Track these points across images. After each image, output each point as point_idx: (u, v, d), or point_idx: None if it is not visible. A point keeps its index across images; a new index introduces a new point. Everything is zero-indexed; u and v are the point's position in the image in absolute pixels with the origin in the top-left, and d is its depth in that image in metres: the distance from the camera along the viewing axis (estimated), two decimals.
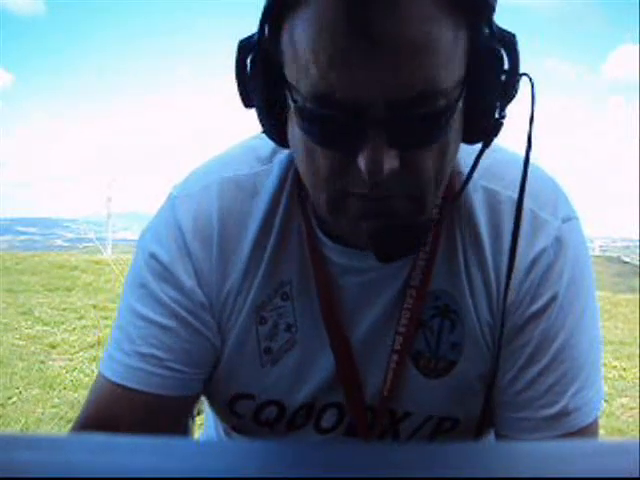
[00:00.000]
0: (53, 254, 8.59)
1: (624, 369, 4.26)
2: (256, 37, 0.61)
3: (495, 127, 0.64)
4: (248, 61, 0.62)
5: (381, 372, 0.74)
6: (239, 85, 0.64)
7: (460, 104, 0.60)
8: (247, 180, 0.74)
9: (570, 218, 0.73)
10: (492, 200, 0.72)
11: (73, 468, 0.21)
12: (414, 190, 0.62)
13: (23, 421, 3.05)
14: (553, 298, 0.70)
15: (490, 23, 0.61)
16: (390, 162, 0.57)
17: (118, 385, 0.72)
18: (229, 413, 0.79)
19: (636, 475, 0.21)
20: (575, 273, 0.72)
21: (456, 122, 0.61)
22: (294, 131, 0.62)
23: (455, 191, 0.71)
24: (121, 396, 0.72)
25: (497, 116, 0.64)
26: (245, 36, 0.63)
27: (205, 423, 1.03)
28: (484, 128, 0.64)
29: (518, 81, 0.63)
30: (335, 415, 0.76)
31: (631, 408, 3.54)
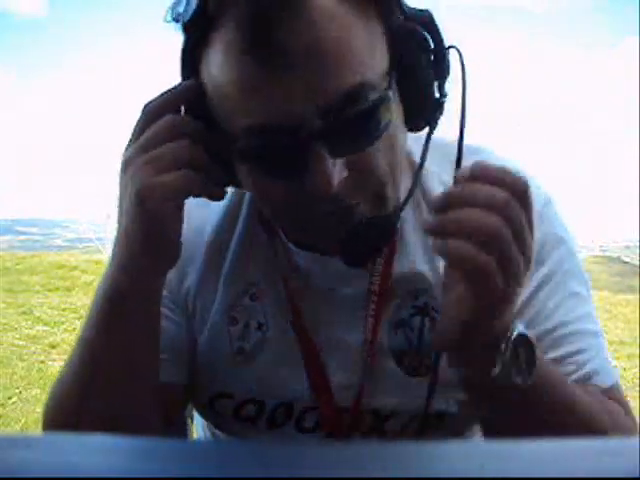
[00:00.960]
0: (53, 254, 8.58)
1: (624, 369, 4.26)
2: (179, 89, 0.63)
3: (436, 107, 0.64)
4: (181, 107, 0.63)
5: (352, 375, 0.74)
6: None
7: (392, 93, 0.59)
8: None
9: (549, 201, 0.75)
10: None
11: (73, 468, 0.21)
12: (371, 190, 0.62)
13: (23, 421, 3.05)
14: (542, 285, 0.71)
15: (401, 6, 0.62)
16: (338, 174, 0.57)
17: None
18: (210, 412, 0.80)
19: (636, 475, 0.21)
20: (562, 257, 0.72)
21: (394, 112, 0.60)
22: (239, 168, 0.63)
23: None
24: None
25: (437, 96, 0.64)
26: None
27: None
28: (424, 110, 0.64)
29: (446, 56, 0.63)
30: (316, 416, 0.76)
31: (631, 408, 3.54)
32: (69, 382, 0.70)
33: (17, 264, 7.04)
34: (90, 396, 0.67)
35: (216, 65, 0.57)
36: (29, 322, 4.87)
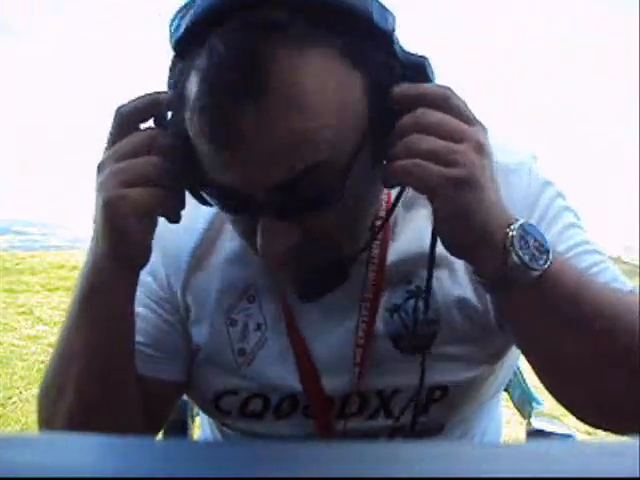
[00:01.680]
0: (53, 254, 8.58)
1: None
2: (153, 98, 0.63)
3: None
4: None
5: (345, 378, 0.75)
6: None
7: (361, 160, 0.58)
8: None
9: (534, 158, 0.77)
10: None
11: (73, 468, 0.21)
12: (324, 251, 0.63)
13: (23, 421, 3.05)
14: (559, 231, 0.72)
15: (393, 55, 0.59)
16: (285, 239, 0.59)
17: None
18: (216, 410, 0.80)
19: (636, 475, 0.21)
20: (553, 198, 0.74)
21: (360, 177, 0.59)
22: None
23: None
24: None
25: None
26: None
27: (202, 425, 1.03)
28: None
29: None
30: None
31: None
32: (50, 375, 0.72)
33: (17, 264, 7.04)
34: (65, 389, 0.69)
35: (187, 110, 0.58)
36: (29, 322, 4.87)
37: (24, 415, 3.11)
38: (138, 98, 0.63)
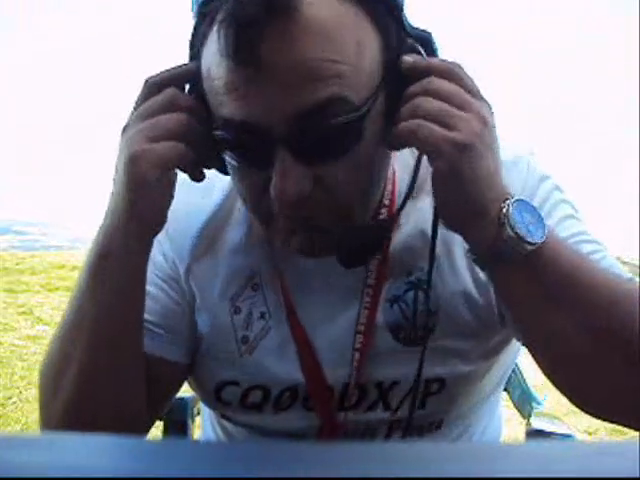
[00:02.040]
0: (53, 254, 8.59)
1: None
2: (185, 68, 0.65)
3: None
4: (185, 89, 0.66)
5: (345, 368, 0.76)
6: None
7: (372, 114, 0.60)
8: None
9: (532, 153, 0.78)
10: None
11: (73, 468, 0.21)
12: (335, 205, 0.63)
13: (23, 421, 3.05)
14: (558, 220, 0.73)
15: (402, 25, 0.62)
16: (299, 183, 0.59)
17: None
18: (216, 401, 0.81)
19: (636, 475, 0.21)
20: (550, 190, 0.75)
21: (373, 131, 0.61)
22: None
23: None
24: None
25: None
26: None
27: (202, 423, 1.03)
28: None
29: None
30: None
31: None
32: (56, 345, 0.72)
33: (17, 264, 7.04)
34: (73, 357, 0.69)
35: (208, 58, 0.60)
36: (29, 322, 4.87)
37: (24, 415, 3.11)
38: (168, 69, 0.65)
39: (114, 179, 0.65)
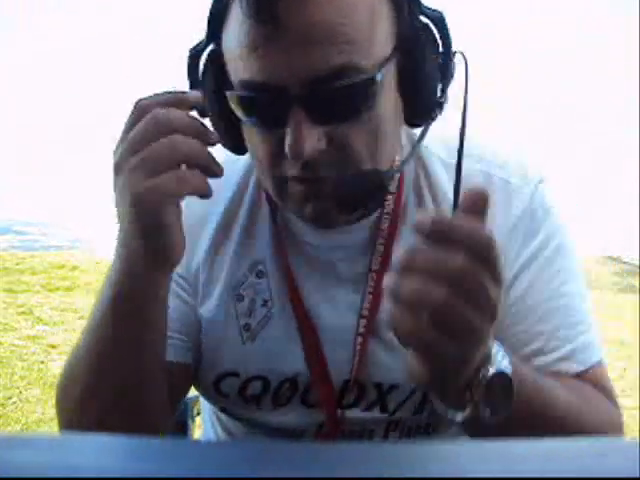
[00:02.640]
0: (53, 254, 8.58)
1: (624, 369, 4.26)
2: (203, 43, 0.66)
3: (435, 107, 0.67)
4: (200, 66, 0.67)
5: (348, 353, 0.76)
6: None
7: (383, 80, 0.62)
8: None
9: (539, 181, 0.77)
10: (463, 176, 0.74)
11: (73, 468, 0.21)
12: (345, 165, 0.64)
13: (23, 421, 3.05)
14: (538, 251, 0.74)
15: (416, 3, 0.64)
16: (312, 141, 0.61)
17: None
18: (216, 393, 0.80)
19: (636, 475, 0.21)
20: (555, 226, 0.75)
21: (384, 99, 0.63)
22: (242, 125, 0.67)
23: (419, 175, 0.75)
24: None
25: (437, 96, 0.66)
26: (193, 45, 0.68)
27: (202, 424, 1.03)
28: (423, 107, 0.67)
29: (452, 60, 0.65)
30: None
31: (631, 408, 3.54)
32: (77, 368, 0.71)
33: (17, 264, 7.04)
34: (98, 383, 0.68)
35: (229, 26, 0.63)
36: (29, 322, 4.87)
37: (24, 415, 3.11)
38: (161, 94, 0.62)
39: (119, 222, 0.62)
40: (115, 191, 0.61)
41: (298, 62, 0.58)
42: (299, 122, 0.60)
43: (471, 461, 0.23)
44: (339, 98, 0.60)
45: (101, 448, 0.24)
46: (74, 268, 7.00)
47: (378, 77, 0.61)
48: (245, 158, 0.76)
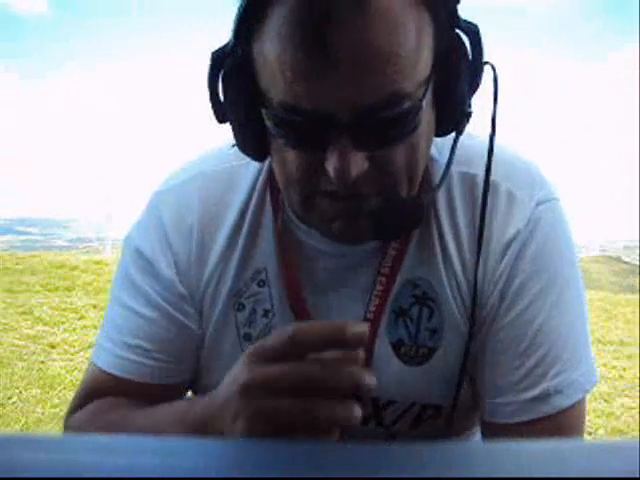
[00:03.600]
0: (53, 254, 8.57)
1: (624, 369, 4.26)
2: (230, 47, 0.63)
3: (465, 117, 0.66)
4: (223, 70, 0.64)
5: None
6: (212, 97, 0.65)
7: (426, 101, 0.61)
8: (225, 173, 0.78)
9: (545, 200, 0.74)
10: (470, 184, 0.73)
11: (73, 468, 0.21)
12: (385, 188, 0.63)
13: (23, 421, 3.05)
14: (527, 281, 0.71)
15: (454, 16, 0.63)
16: (357, 165, 0.59)
17: (108, 373, 0.77)
18: None
19: (636, 475, 0.21)
20: (551, 256, 0.72)
21: (424, 118, 0.62)
22: (269, 134, 0.64)
23: (431, 179, 0.73)
24: (113, 383, 0.77)
25: (466, 106, 0.65)
26: (217, 48, 0.65)
27: None
28: (454, 119, 0.66)
29: (482, 70, 0.65)
30: None
31: (631, 408, 3.54)
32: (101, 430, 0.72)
33: (17, 264, 7.04)
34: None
35: (269, 38, 0.59)
36: (29, 322, 4.87)
37: (24, 415, 3.11)
38: (317, 327, 0.53)
39: (209, 422, 0.58)
40: (224, 403, 0.57)
41: (348, 92, 0.57)
42: (345, 147, 0.59)
43: (468, 461, 0.23)
44: (387, 125, 0.60)
45: (101, 448, 0.24)
46: (74, 268, 7.00)
47: (423, 102, 0.60)
48: (255, 163, 0.75)
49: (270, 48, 0.59)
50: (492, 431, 0.74)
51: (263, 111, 0.62)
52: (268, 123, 0.62)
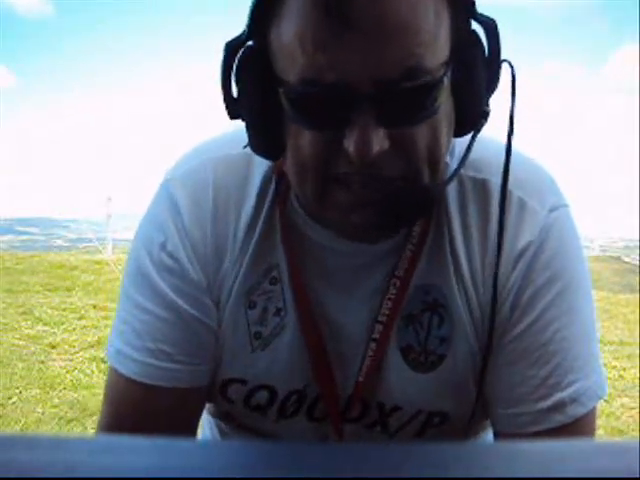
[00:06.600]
0: (53, 254, 8.58)
1: (624, 369, 4.25)
2: (244, 36, 0.62)
3: (482, 116, 0.65)
4: (237, 60, 0.63)
5: (360, 360, 0.74)
6: (225, 90, 0.64)
7: (446, 84, 0.61)
8: (239, 159, 0.75)
9: (557, 207, 0.73)
10: (482, 189, 0.72)
11: (73, 468, 0.21)
12: (406, 170, 0.62)
13: (23, 421, 3.05)
14: (539, 290, 0.70)
15: (472, 9, 0.62)
16: (379, 142, 0.58)
17: (138, 382, 0.73)
18: (221, 398, 0.79)
19: (636, 475, 0.21)
20: (563, 264, 0.71)
21: (444, 103, 0.61)
22: (286, 124, 0.63)
23: (443, 180, 0.70)
24: (142, 391, 0.73)
25: (483, 105, 0.64)
26: (231, 38, 0.63)
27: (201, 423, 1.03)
28: (471, 116, 0.65)
29: (500, 68, 0.64)
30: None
31: (631, 408, 3.54)
32: None
33: (17, 264, 7.04)
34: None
35: (285, 20, 0.59)
36: (29, 322, 4.86)
37: (24, 415, 3.11)
38: None
39: None
40: None
41: (371, 62, 0.56)
42: (367, 122, 0.58)
43: (469, 461, 0.23)
44: (408, 99, 0.59)
45: (101, 448, 0.24)
46: (74, 268, 6.99)
47: (444, 79, 0.60)
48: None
49: (289, 27, 0.58)
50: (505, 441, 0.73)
51: (280, 91, 0.61)
52: (285, 104, 0.61)
